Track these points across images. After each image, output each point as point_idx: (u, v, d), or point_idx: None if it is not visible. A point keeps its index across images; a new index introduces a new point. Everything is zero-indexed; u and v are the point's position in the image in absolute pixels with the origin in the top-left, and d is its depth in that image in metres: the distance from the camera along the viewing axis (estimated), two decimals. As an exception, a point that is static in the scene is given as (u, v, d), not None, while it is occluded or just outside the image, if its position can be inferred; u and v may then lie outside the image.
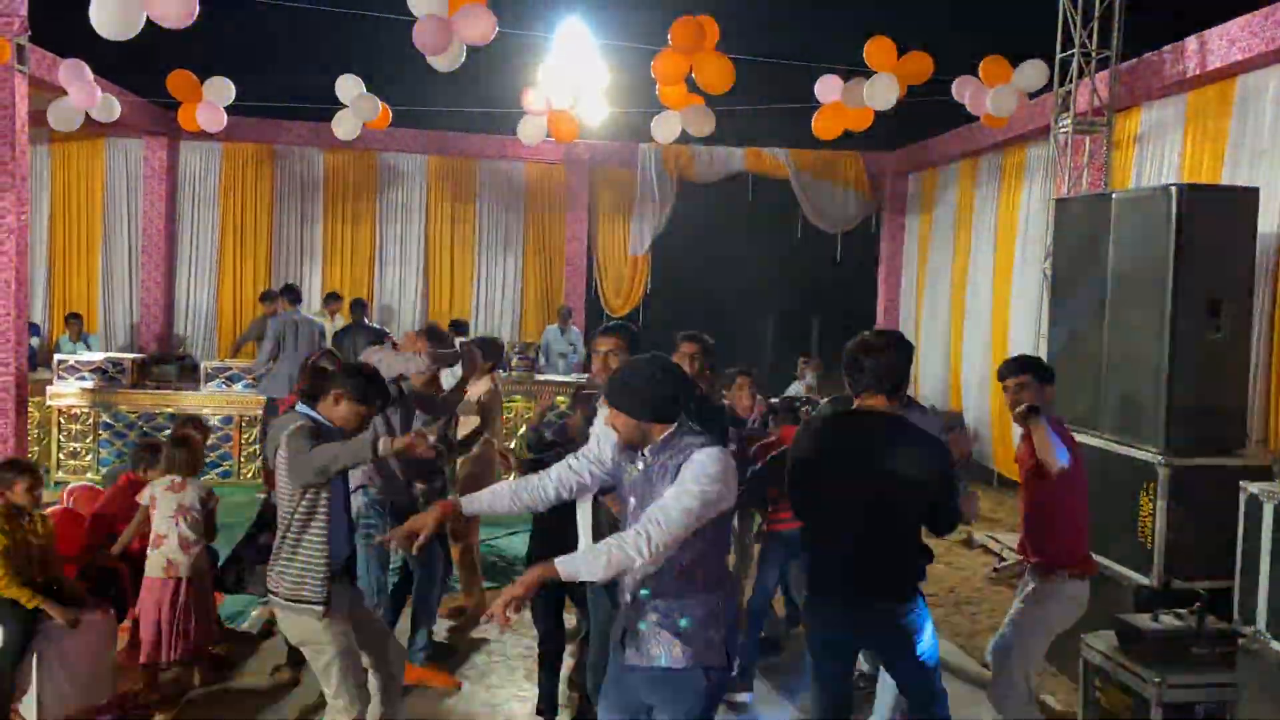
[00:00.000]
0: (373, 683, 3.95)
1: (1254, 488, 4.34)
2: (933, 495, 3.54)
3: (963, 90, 9.00)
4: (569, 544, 3.90)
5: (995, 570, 7.62)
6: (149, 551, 4.90)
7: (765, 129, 12.45)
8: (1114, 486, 5.29)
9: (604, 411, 3.82)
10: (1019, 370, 4.19)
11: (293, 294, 9.40)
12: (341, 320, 11.27)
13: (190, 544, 4.89)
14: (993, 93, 8.75)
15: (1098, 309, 5.68)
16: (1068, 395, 5.90)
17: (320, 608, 3.69)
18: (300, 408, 3.88)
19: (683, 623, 3.01)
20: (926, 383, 12.49)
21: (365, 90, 9.87)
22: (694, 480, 2.91)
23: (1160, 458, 5.08)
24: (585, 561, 2.93)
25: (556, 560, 2.93)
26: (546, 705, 4.66)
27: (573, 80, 9.68)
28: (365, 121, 10.12)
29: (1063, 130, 8.61)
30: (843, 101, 8.93)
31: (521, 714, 4.90)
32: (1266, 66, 7.11)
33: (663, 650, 3.02)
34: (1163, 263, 5.15)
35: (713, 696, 3.08)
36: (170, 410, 9.44)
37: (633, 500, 3.08)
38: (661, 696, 3.07)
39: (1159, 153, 8.32)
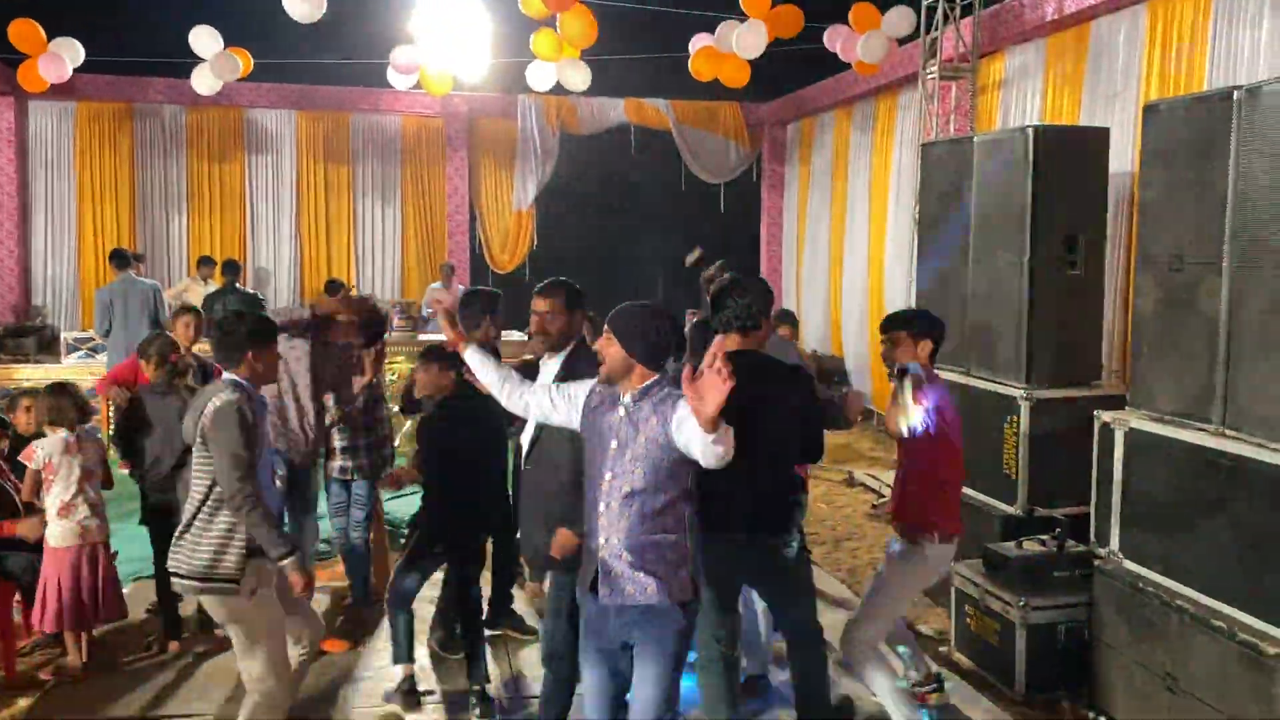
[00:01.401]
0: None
1: (1107, 416, 4.52)
2: (799, 422, 3.68)
3: (834, 38, 9.09)
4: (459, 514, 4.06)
5: (874, 507, 7.86)
6: (57, 521, 4.63)
7: (646, 80, 12.40)
8: (979, 420, 5.47)
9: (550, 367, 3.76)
10: (889, 326, 4.17)
11: (119, 259, 8.98)
12: (215, 285, 10.87)
13: (100, 506, 4.71)
14: (863, 40, 8.87)
15: (962, 249, 5.83)
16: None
17: (237, 585, 3.52)
18: (228, 375, 3.67)
19: (656, 563, 3.07)
20: (808, 328, 12.71)
21: (223, 43, 9.44)
22: None
23: (1021, 391, 5.27)
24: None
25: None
26: (404, 651, 4.57)
27: (449, 35, 9.41)
28: (227, 77, 9.70)
29: (930, 76, 8.78)
30: (715, 46, 8.94)
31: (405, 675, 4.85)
32: (1117, 10, 7.36)
33: (638, 589, 3.06)
34: (1021, 202, 5.31)
35: (687, 631, 3.16)
36: (30, 385, 8.97)
37: (614, 442, 3.10)
38: (643, 632, 3.11)
39: (1022, 97, 8.56)
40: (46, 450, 4.66)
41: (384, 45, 10.15)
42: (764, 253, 14.33)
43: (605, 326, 3.15)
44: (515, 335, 9.82)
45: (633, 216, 13.15)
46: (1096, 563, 4.53)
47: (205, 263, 11.35)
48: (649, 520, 3.06)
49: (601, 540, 3.11)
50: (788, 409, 3.67)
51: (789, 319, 7.84)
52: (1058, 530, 4.84)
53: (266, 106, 12.65)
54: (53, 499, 4.65)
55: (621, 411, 3.12)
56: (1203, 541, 3.96)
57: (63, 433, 4.71)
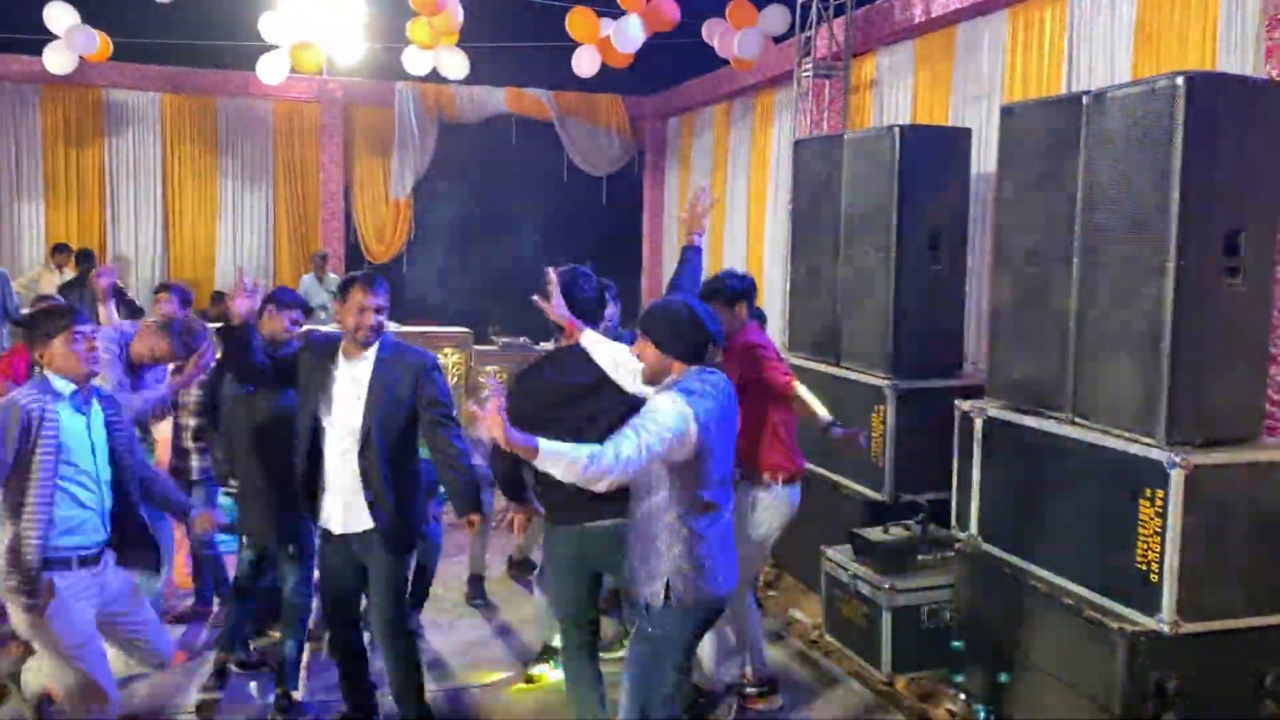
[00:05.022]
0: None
1: (966, 405, 4.69)
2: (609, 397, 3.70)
3: (712, 32, 9.19)
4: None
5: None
6: None
7: (528, 70, 12.32)
8: (849, 410, 5.60)
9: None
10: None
11: None
12: (70, 274, 10.37)
13: None
14: (739, 35, 8.99)
15: (833, 245, 5.98)
16: (807, 328, 6.24)
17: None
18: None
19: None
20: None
21: (79, 20, 9.00)
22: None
23: (888, 381, 5.43)
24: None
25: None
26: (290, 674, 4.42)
27: (321, 11, 9.16)
28: (83, 54, 9.25)
29: (805, 74, 8.96)
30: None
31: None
32: (982, 15, 7.63)
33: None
34: (887, 199, 5.47)
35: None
36: None
37: None
38: None
39: (894, 96, 8.80)
40: None
41: (255, 27, 9.82)
42: (646, 246, 14.40)
43: (639, 330, 3.26)
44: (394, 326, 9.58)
45: (514, 207, 13.04)
46: (957, 546, 4.71)
47: (60, 250, 10.82)
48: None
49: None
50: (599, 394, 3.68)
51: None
52: (921, 515, 5.02)
53: (128, 87, 12.10)
54: None
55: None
56: (1054, 523, 4.16)
57: None
